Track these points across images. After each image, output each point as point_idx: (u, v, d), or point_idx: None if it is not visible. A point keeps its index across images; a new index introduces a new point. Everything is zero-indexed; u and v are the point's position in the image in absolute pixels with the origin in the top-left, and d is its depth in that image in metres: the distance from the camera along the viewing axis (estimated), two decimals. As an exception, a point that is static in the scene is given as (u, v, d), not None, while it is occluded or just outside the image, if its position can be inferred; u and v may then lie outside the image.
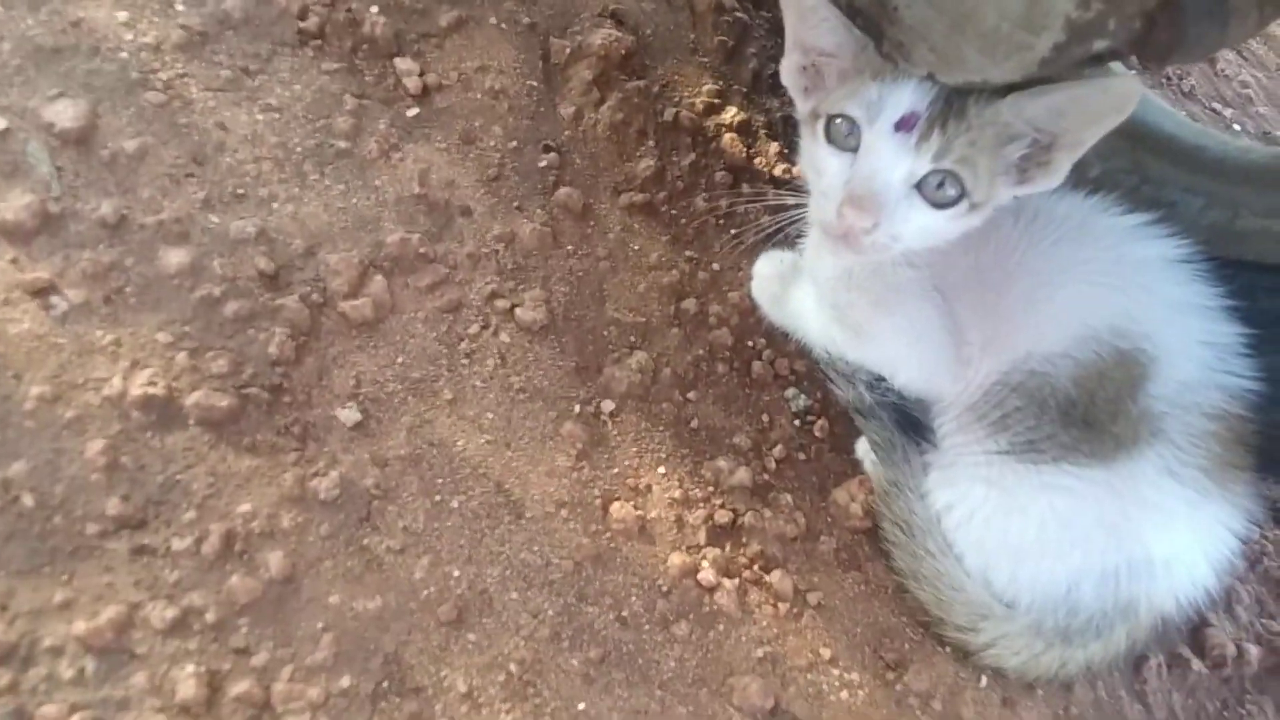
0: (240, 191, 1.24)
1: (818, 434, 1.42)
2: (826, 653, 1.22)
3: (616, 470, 1.27)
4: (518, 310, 1.33)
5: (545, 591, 1.15)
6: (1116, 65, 1.55)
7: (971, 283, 1.19)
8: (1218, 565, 1.19)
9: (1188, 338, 1.14)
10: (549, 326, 1.34)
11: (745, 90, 1.73)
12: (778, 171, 1.65)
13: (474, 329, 1.29)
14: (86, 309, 1.09)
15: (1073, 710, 1.30)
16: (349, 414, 1.16)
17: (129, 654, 0.96)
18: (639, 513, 1.24)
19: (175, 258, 1.15)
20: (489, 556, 1.15)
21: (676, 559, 1.22)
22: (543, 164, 1.47)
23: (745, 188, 1.59)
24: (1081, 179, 1.16)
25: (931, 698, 1.23)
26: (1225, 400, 1.14)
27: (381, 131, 1.36)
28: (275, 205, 1.25)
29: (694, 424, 1.36)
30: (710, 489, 1.30)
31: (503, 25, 1.56)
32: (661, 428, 1.34)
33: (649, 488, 1.27)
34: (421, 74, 1.44)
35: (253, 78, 1.32)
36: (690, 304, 1.46)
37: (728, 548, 1.26)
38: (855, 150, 1.03)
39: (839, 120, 1.04)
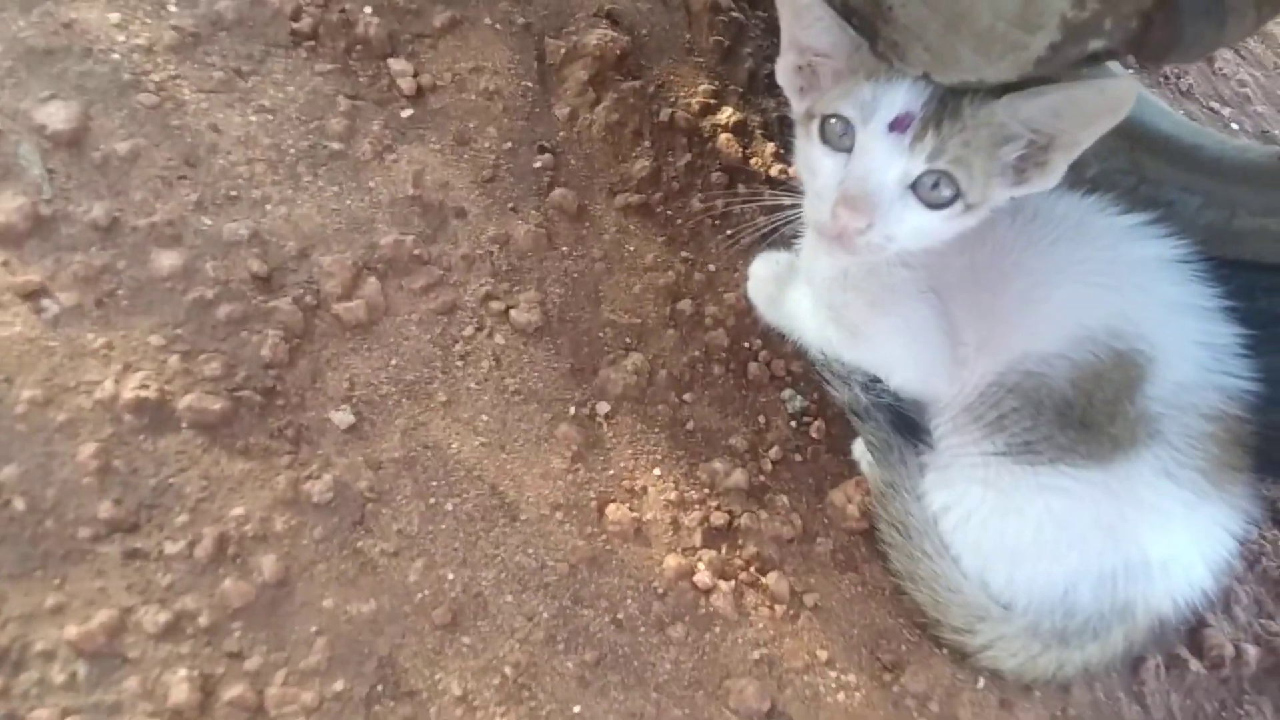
0: (233, 193, 1.23)
1: (814, 435, 1.42)
2: (823, 654, 1.22)
3: (612, 472, 1.27)
4: (512, 312, 1.32)
5: (540, 594, 1.14)
6: (1114, 65, 1.55)
7: (968, 283, 1.18)
8: (1215, 566, 1.18)
9: (1185, 338, 1.14)
10: (544, 328, 1.34)
11: (741, 90, 1.73)
12: (774, 172, 1.64)
13: (468, 331, 1.29)
14: (78, 312, 1.09)
15: (1070, 711, 1.29)
16: (342, 416, 1.16)
17: (121, 658, 0.95)
18: (634, 515, 1.23)
19: (167, 260, 1.15)
20: (484, 559, 1.14)
21: (672, 561, 1.21)
22: (538, 165, 1.47)
23: (741, 188, 1.59)
24: (1079, 179, 1.16)
25: (929, 699, 1.23)
26: (1223, 401, 1.14)
27: (375, 133, 1.36)
28: (268, 207, 1.25)
29: (690, 425, 1.36)
30: (706, 491, 1.30)
31: (497, 26, 1.55)
32: (657, 429, 1.33)
33: (644, 490, 1.27)
34: (415, 75, 1.44)
35: (246, 79, 1.32)
36: (686, 305, 1.45)
37: (724, 550, 1.26)
38: (850, 151, 1.02)
39: (833, 120, 1.03)
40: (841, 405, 1.36)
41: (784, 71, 1.12)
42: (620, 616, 1.16)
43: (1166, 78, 2.50)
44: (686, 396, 1.38)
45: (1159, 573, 1.17)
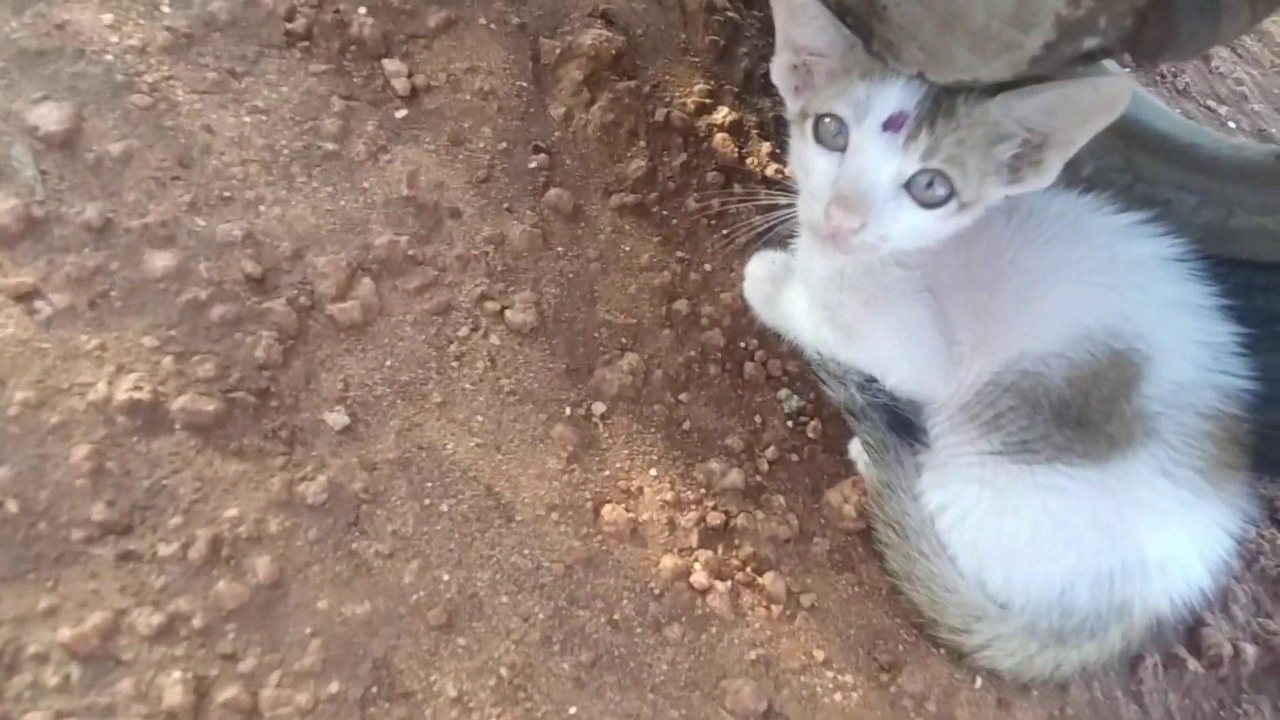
0: (227, 194, 1.23)
1: (810, 435, 1.42)
2: (820, 655, 1.22)
3: (608, 473, 1.27)
4: (508, 312, 1.32)
5: (536, 595, 1.14)
6: (1111, 64, 1.55)
7: (964, 282, 1.18)
8: (1213, 565, 1.18)
9: (1182, 337, 1.14)
10: (539, 328, 1.33)
11: (737, 90, 1.73)
12: (770, 171, 1.64)
13: (463, 331, 1.29)
14: (71, 313, 1.09)
15: (1068, 711, 1.29)
16: (337, 418, 1.16)
17: (115, 660, 0.95)
18: (630, 515, 1.23)
19: (161, 261, 1.15)
20: (479, 560, 1.14)
21: (668, 561, 1.21)
22: (533, 165, 1.47)
23: (737, 188, 1.59)
24: (1075, 177, 1.16)
25: (926, 699, 1.22)
26: (1220, 400, 1.14)
27: (370, 133, 1.36)
28: (262, 208, 1.24)
29: (686, 426, 1.35)
30: (702, 491, 1.30)
31: (492, 26, 1.55)
32: (653, 430, 1.33)
33: (640, 490, 1.27)
34: (410, 75, 1.43)
35: (239, 80, 1.31)
36: (682, 305, 1.45)
37: (720, 550, 1.26)
38: (843, 150, 1.02)
39: (827, 120, 1.03)
40: (838, 405, 1.36)
41: (779, 70, 1.12)
42: (616, 617, 1.16)
43: (1163, 76, 2.50)
44: (682, 396, 1.38)
45: (1156, 572, 1.16)
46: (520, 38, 1.57)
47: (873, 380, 1.29)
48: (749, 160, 1.65)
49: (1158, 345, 1.12)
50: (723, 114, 1.66)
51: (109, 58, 1.24)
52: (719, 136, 1.63)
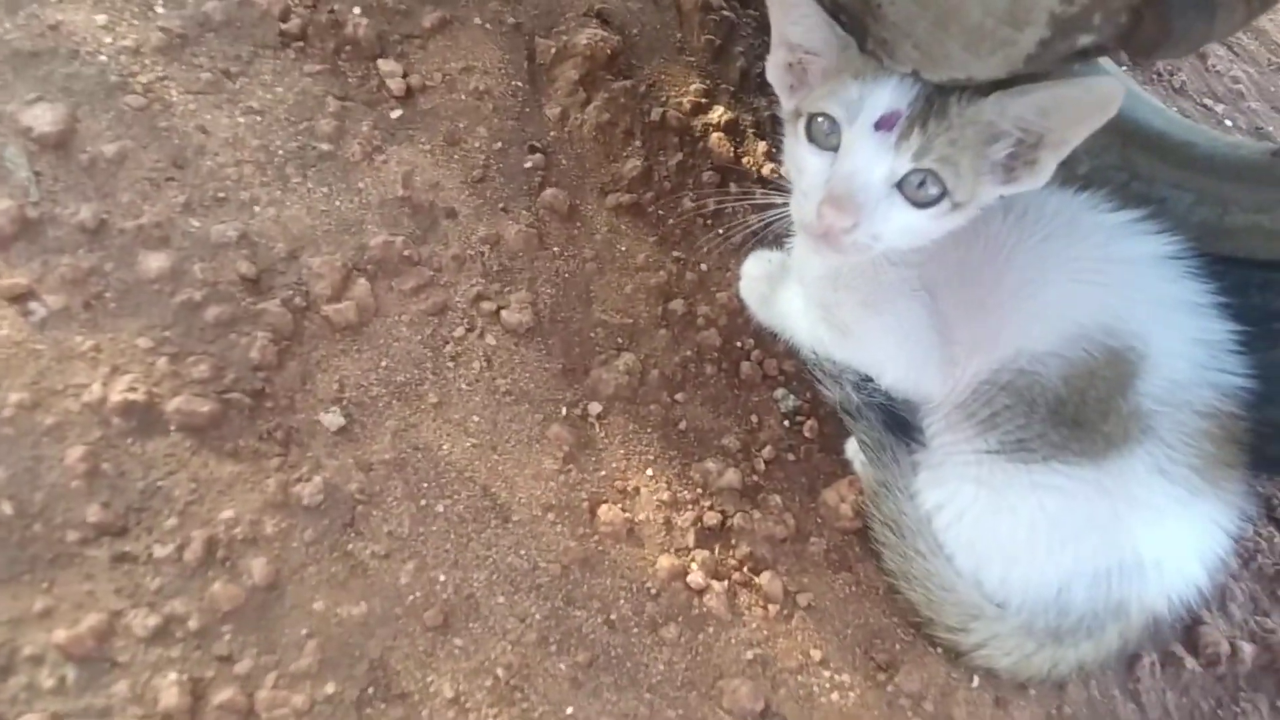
0: (221, 195, 1.23)
1: (807, 434, 1.42)
2: (817, 654, 1.21)
3: (604, 473, 1.27)
4: (503, 312, 1.32)
5: (532, 595, 1.14)
6: (1109, 64, 1.55)
7: (959, 281, 1.18)
8: (1210, 563, 1.18)
9: (1178, 335, 1.14)
10: (535, 329, 1.33)
11: (733, 89, 1.73)
12: (766, 171, 1.64)
13: (459, 332, 1.29)
14: (66, 314, 1.09)
15: (1066, 710, 1.29)
16: (332, 418, 1.15)
17: (110, 662, 0.95)
18: (627, 515, 1.23)
19: (155, 262, 1.14)
20: (475, 561, 1.14)
21: (665, 561, 1.21)
22: (528, 165, 1.47)
23: (733, 187, 1.59)
24: (1070, 175, 1.16)
25: (923, 699, 1.22)
26: (1217, 398, 1.14)
27: (365, 133, 1.36)
28: (257, 209, 1.24)
29: (682, 425, 1.35)
30: (699, 491, 1.30)
31: (487, 25, 1.55)
32: (649, 429, 1.33)
33: (637, 490, 1.27)
34: (405, 75, 1.43)
35: (234, 80, 1.31)
36: (678, 305, 1.45)
37: (717, 550, 1.26)
38: (836, 150, 1.02)
39: (820, 119, 1.03)
40: (834, 404, 1.36)
41: (774, 69, 1.12)
42: (613, 617, 1.16)
43: (1159, 74, 2.50)
44: (679, 396, 1.38)
45: (1153, 570, 1.16)
46: (515, 37, 1.57)
47: (869, 379, 1.29)
48: (745, 160, 1.65)
49: (1154, 343, 1.12)
50: (718, 113, 1.66)
51: (103, 58, 1.24)
52: (715, 136, 1.63)
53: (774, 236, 1.27)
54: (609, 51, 1.57)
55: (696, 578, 1.20)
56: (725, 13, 1.76)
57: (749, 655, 1.18)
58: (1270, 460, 1.25)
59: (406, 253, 1.29)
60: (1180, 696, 1.38)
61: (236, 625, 1.00)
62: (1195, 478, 1.14)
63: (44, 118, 1.16)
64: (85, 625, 0.94)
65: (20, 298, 1.07)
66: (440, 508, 1.15)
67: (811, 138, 1.05)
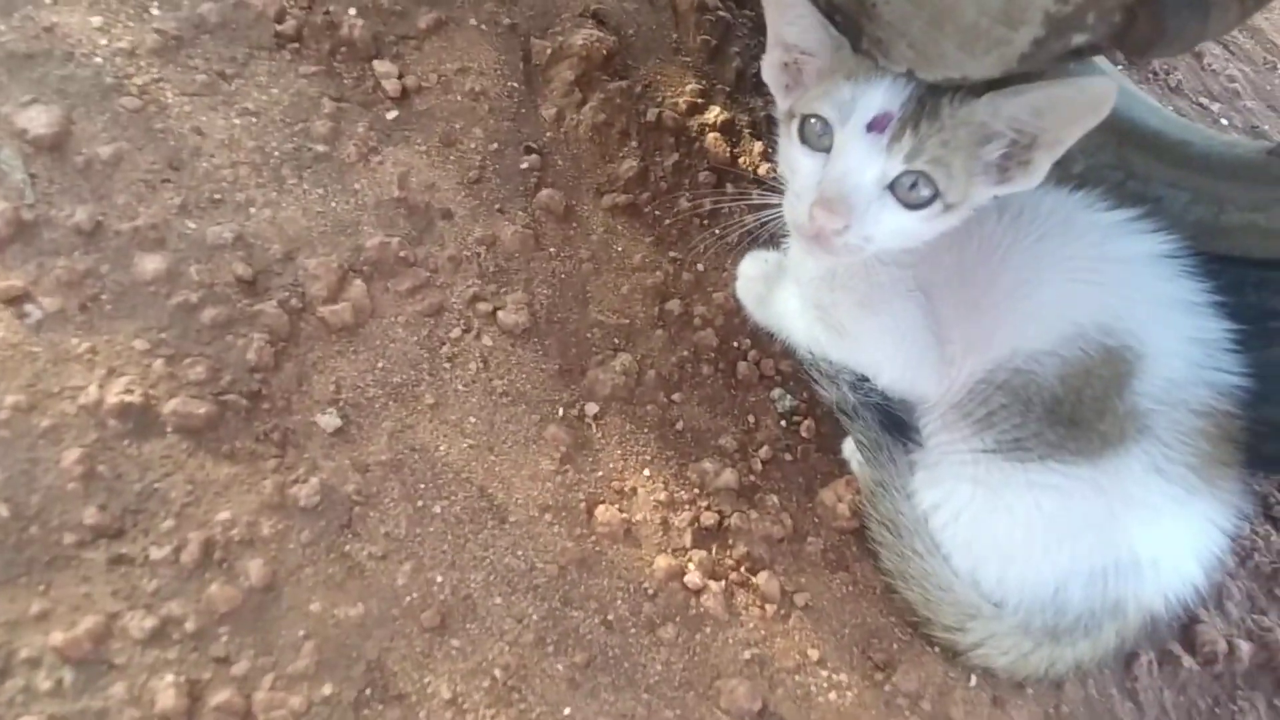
0: (217, 196, 1.23)
1: (804, 434, 1.42)
2: (814, 654, 1.21)
3: (601, 473, 1.27)
4: (500, 313, 1.32)
5: (530, 596, 1.14)
6: (1104, 63, 1.55)
7: (955, 281, 1.18)
8: (1207, 562, 1.18)
9: (1175, 334, 1.14)
10: (531, 329, 1.33)
11: (728, 89, 1.73)
12: (762, 171, 1.64)
13: (455, 333, 1.29)
14: (61, 317, 1.08)
15: (1063, 709, 1.29)
16: (329, 420, 1.15)
17: (107, 664, 0.94)
18: (624, 516, 1.23)
19: (151, 264, 1.14)
20: (472, 562, 1.14)
21: (662, 562, 1.21)
22: (524, 166, 1.47)
23: (729, 187, 1.59)
24: (1066, 174, 1.16)
25: (920, 698, 1.22)
26: (1213, 397, 1.14)
27: (360, 134, 1.36)
28: (253, 210, 1.24)
29: (679, 426, 1.35)
30: (696, 491, 1.30)
31: (483, 26, 1.55)
32: (646, 430, 1.33)
33: (634, 490, 1.27)
34: (400, 76, 1.43)
35: (229, 82, 1.31)
36: (674, 305, 1.45)
37: (714, 550, 1.26)
38: (828, 151, 1.03)
39: (813, 120, 1.04)
40: (831, 404, 1.36)
41: (770, 68, 1.12)
42: (610, 618, 1.16)
43: (1155, 74, 2.50)
44: (675, 397, 1.38)
45: (1150, 569, 1.16)
46: (511, 38, 1.57)
47: (865, 379, 1.29)
48: (741, 160, 1.65)
49: (1150, 342, 1.12)
50: (714, 113, 1.66)
51: (98, 60, 1.24)
52: (711, 136, 1.63)
53: (770, 236, 1.27)
54: (605, 52, 1.57)
55: (694, 578, 1.20)
56: (721, 13, 1.76)
57: (746, 655, 1.18)
58: (1266, 458, 1.26)
59: (402, 254, 1.29)
60: (1177, 695, 1.39)
61: (233, 627, 1.00)
62: (1192, 476, 1.14)
63: (39, 120, 1.16)
64: (82, 627, 0.94)
65: (16, 300, 1.07)
66: (437, 509, 1.15)
67: (804, 139, 1.05)
